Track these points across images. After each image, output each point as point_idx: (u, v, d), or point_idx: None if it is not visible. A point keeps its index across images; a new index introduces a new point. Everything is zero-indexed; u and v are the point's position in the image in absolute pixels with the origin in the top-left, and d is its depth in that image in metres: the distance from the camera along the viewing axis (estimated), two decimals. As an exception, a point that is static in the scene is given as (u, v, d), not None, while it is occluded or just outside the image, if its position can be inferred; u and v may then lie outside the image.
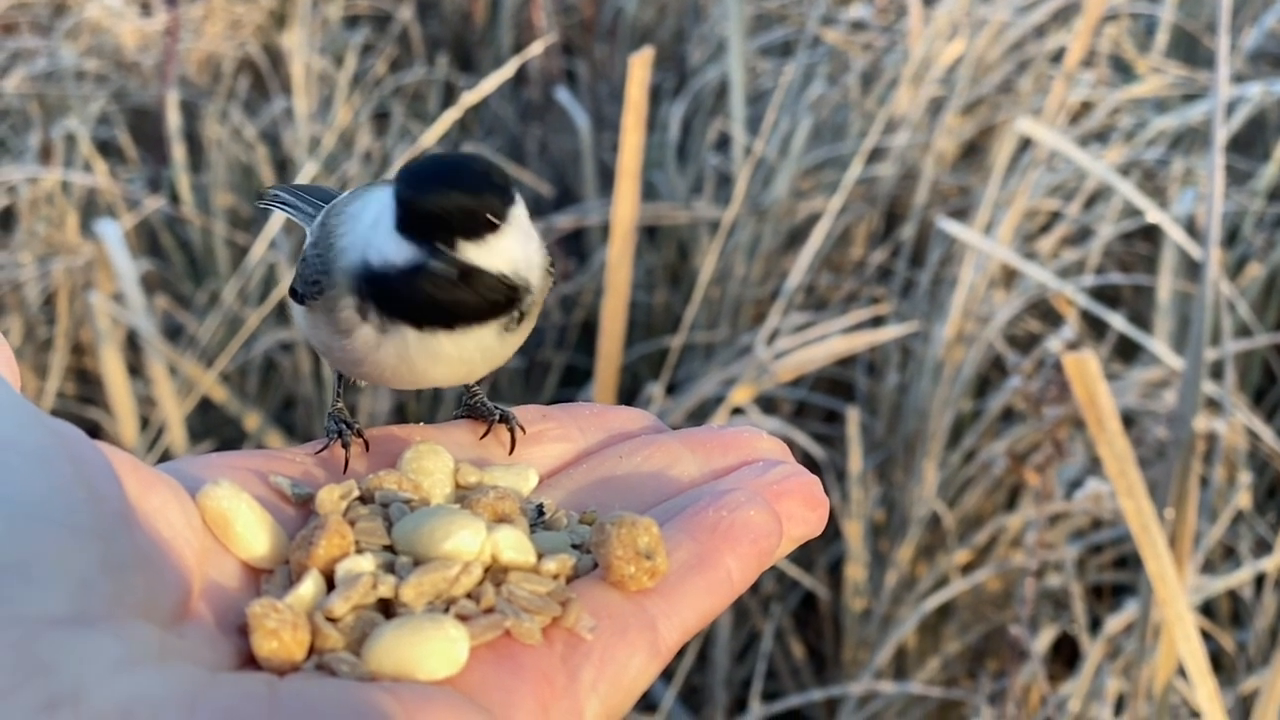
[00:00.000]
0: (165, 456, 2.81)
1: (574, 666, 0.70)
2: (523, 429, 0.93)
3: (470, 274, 0.91)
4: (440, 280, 0.90)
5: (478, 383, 1.01)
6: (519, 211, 0.94)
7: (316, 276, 0.97)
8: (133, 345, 3.12)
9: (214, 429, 3.26)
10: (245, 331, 2.64)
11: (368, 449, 0.92)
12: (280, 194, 1.20)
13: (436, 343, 0.93)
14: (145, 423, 2.98)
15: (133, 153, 3.81)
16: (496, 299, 0.92)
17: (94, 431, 3.04)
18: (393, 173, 0.95)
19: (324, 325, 0.96)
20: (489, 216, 0.91)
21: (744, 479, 0.85)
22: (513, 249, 0.93)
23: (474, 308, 0.92)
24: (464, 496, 0.83)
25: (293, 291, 1.01)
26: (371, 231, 0.93)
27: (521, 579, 0.74)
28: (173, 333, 3.31)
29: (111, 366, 2.81)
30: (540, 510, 0.83)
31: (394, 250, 0.91)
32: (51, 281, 3.27)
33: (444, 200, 0.90)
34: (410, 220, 0.90)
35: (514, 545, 0.76)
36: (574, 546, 0.80)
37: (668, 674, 2.58)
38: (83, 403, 3.31)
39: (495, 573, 0.75)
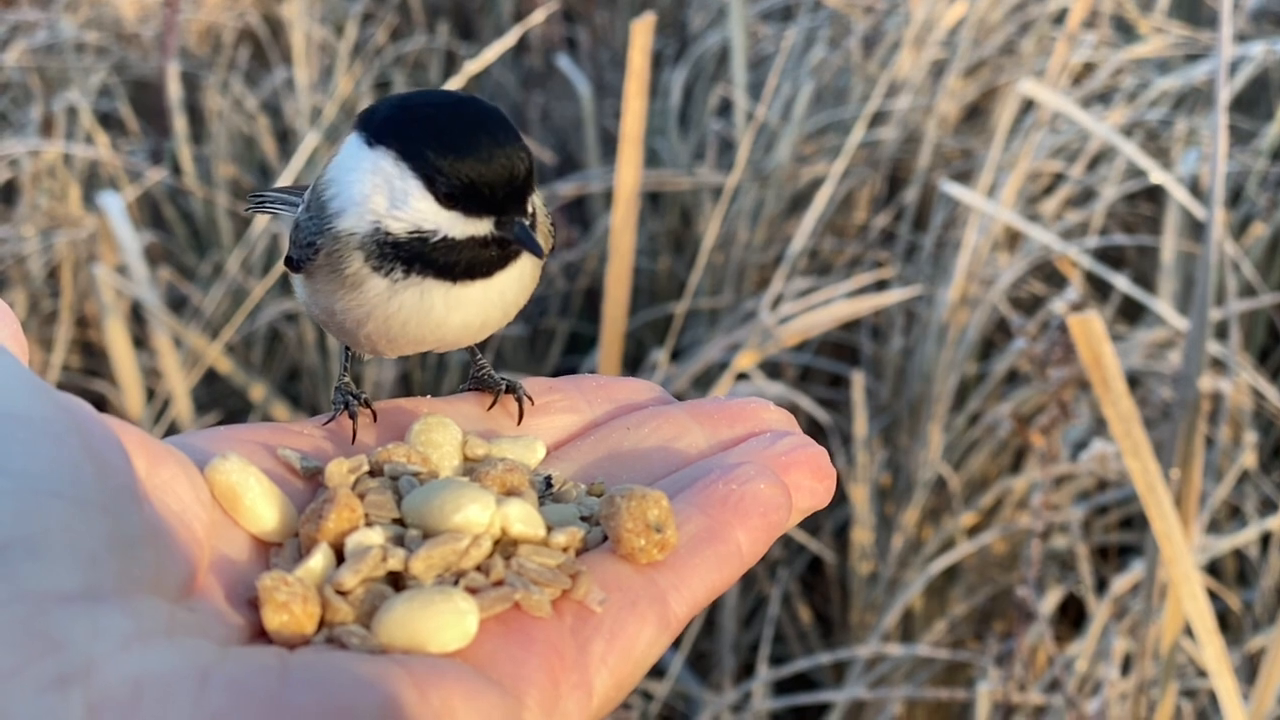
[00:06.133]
0: (171, 428, 2.81)
1: (584, 639, 0.71)
2: (530, 399, 0.93)
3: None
4: (510, 247, 0.91)
5: (481, 353, 1.01)
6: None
7: (310, 239, 0.96)
8: (137, 317, 3.12)
9: (219, 400, 3.27)
10: (249, 302, 2.64)
11: (375, 420, 0.92)
12: (265, 195, 1.20)
13: (465, 291, 0.93)
14: (151, 394, 2.98)
15: (134, 125, 3.80)
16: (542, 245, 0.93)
17: (100, 404, 3.05)
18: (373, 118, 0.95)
19: (325, 286, 0.96)
20: (528, 151, 0.91)
21: (752, 451, 0.85)
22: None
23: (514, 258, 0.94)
24: (472, 469, 0.83)
25: (289, 261, 1.01)
26: (389, 199, 0.91)
27: (531, 552, 0.74)
28: (177, 304, 3.31)
29: (116, 339, 2.82)
30: (549, 482, 0.83)
31: (450, 224, 0.91)
32: (55, 254, 3.26)
33: (501, 174, 0.89)
34: (466, 194, 0.90)
35: (523, 518, 0.76)
36: (583, 519, 0.80)
37: (675, 640, 2.58)
38: (88, 375, 3.31)
39: (505, 545, 0.75)
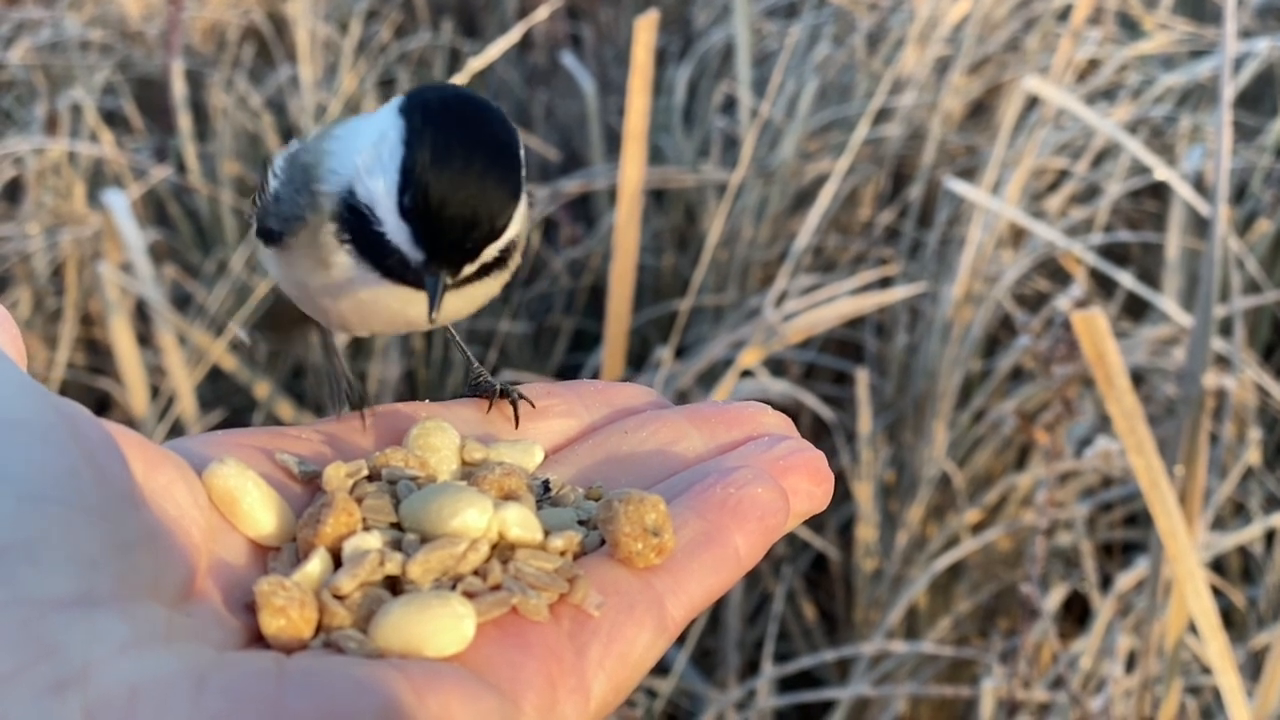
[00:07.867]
0: (176, 425, 2.82)
1: (581, 643, 0.70)
2: (530, 402, 0.93)
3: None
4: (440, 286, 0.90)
5: (478, 363, 1.01)
6: (524, 189, 0.92)
7: (299, 211, 0.94)
8: (142, 315, 3.12)
9: (224, 398, 3.27)
10: (254, 300, 2.64)
11: (374, 424, 0.91)
12: None
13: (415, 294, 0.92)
14: (155, 392, 2.98)
15: (139, 122, 3.80)
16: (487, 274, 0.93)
17: (104, 401, 3.06)
18: (403, 98, 0.92)
19: (301, 260, 0.95)
20: (502, 227, 0.89)
21: (750, 455, 0.84)
22: (512, 229, 0.91)
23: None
24: (470, 473, 0.82)
25: (266, 232, 0.99)
26: (371, 164, 0.90)
27: (529, 556, 0.74)
28: (181, 302, 3.32)
29: (121, 337, 2.82)
30: (546, 486, 0.83)
31: (396, 231, 0.89)
32: (59, 252, 3.27)
33: (449, 230, 0.87)
34: (423, 230, 0.88)
35: (521, 522, 0.75)
36: (580, 523, 0.79)
37: (679, 637, 2.57)
38: (93, 373, 3.32)
39: (502, 550, 0.75)
